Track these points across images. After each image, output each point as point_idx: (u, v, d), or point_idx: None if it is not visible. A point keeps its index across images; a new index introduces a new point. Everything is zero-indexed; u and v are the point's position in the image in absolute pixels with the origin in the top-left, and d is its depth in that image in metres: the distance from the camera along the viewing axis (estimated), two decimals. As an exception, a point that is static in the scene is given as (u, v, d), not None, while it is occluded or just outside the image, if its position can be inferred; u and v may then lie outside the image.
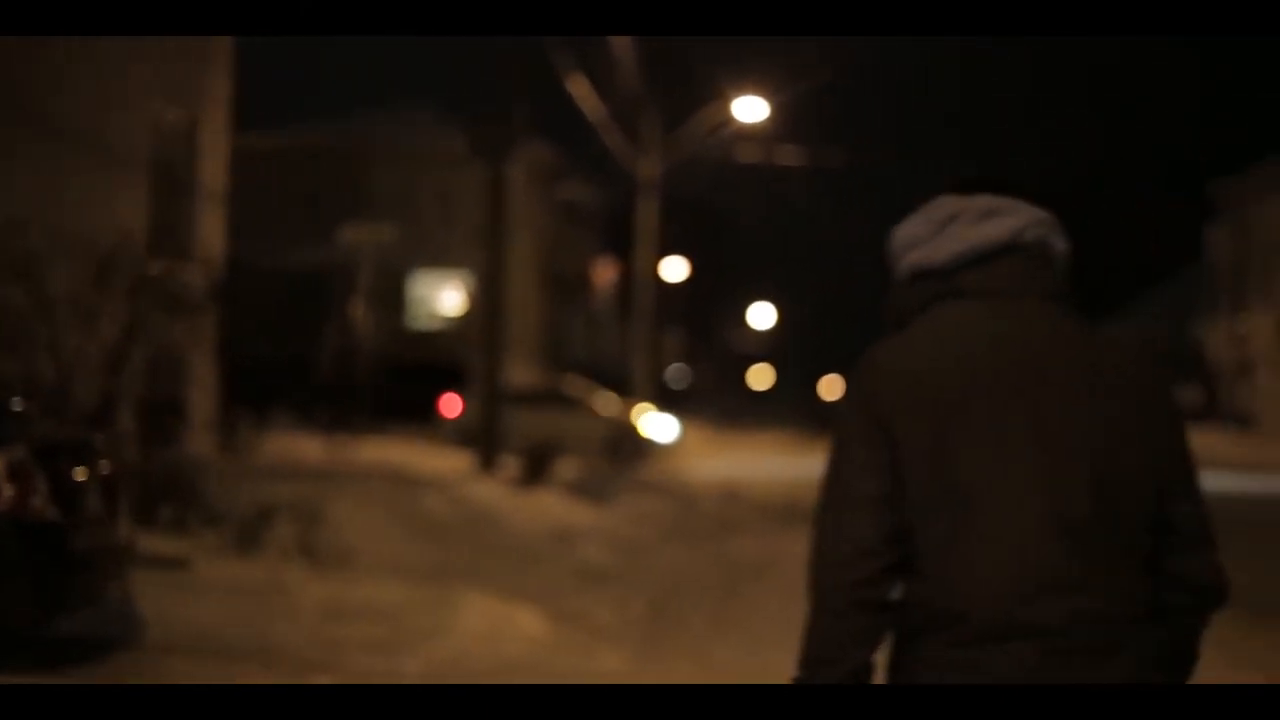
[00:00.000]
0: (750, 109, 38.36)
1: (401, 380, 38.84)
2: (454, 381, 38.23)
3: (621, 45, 37.56)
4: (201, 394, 18.69)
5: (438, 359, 43.36)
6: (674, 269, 60.72)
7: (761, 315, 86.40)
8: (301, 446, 22.95)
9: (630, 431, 35.09)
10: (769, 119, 39.75)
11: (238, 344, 18.70)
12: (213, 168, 20.49)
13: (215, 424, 19.10)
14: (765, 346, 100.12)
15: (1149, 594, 2.90)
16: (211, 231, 20.19)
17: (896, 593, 2.89)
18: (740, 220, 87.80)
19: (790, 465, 31.96)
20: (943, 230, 3.00)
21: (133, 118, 18.22)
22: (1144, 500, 2.88)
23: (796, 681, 2.87)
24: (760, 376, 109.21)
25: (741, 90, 38.52)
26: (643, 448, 34.74)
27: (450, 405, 36.49)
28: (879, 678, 2.88)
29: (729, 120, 39.54)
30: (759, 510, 21.68)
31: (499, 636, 10.19)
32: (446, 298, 52.87)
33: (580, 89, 34.92)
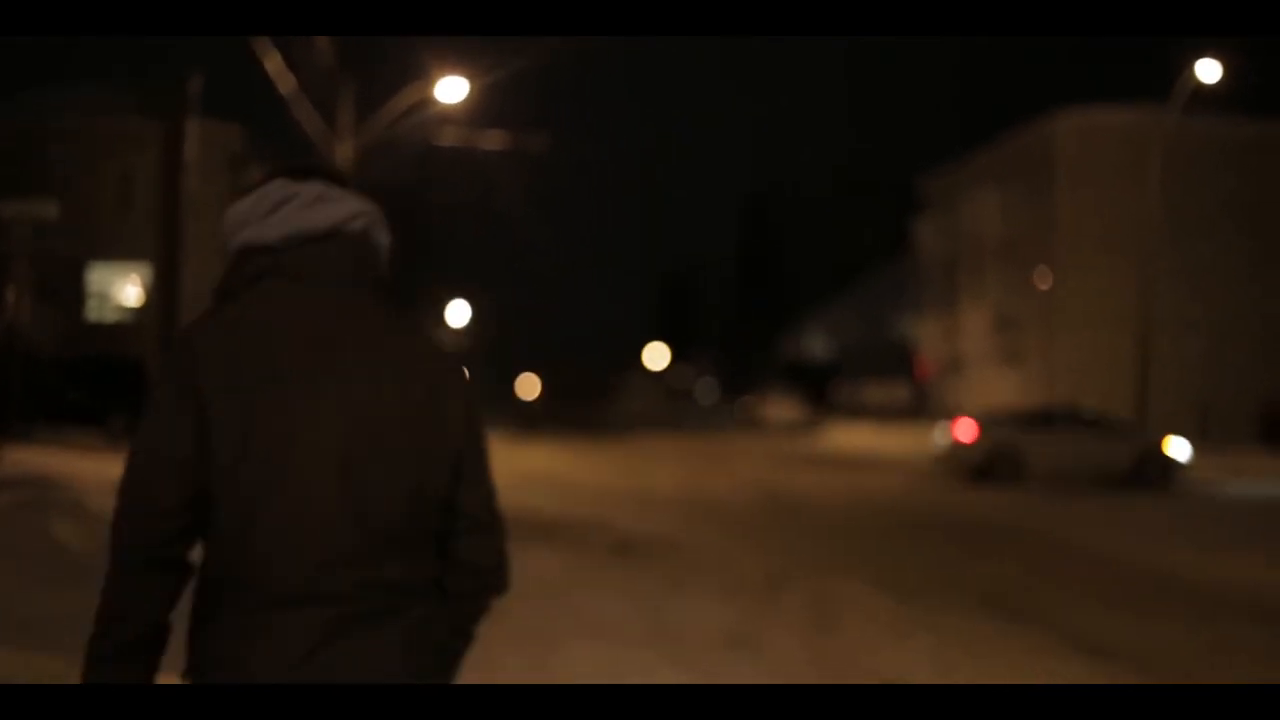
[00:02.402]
0: (451, 89, 36.37)
1: (74, 377, 35.69)
2: (133, 377, 35.14)
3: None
4: None
5: (114, 353, 40.19)
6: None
7: (458, 312, 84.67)
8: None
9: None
10: (473, 105, 38.04)
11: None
12: None
13: None
14: (462, 344, 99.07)
15: (435, 573, 3.13)
16: None
17: (196, 556, 3.02)
18: (438, 215, 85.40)
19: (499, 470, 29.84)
20: (275, 211, 3.14)
21: None
22: (434, 485, 3.10)
23: (91, 640, 2.99)
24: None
25: (445, 72, 36.57)
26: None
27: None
28: (176, 638, 3.03)
29: (429, 101, 37.50)
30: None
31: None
32: (125, 289, 49.83)
33: (272, 62, 32.35)
